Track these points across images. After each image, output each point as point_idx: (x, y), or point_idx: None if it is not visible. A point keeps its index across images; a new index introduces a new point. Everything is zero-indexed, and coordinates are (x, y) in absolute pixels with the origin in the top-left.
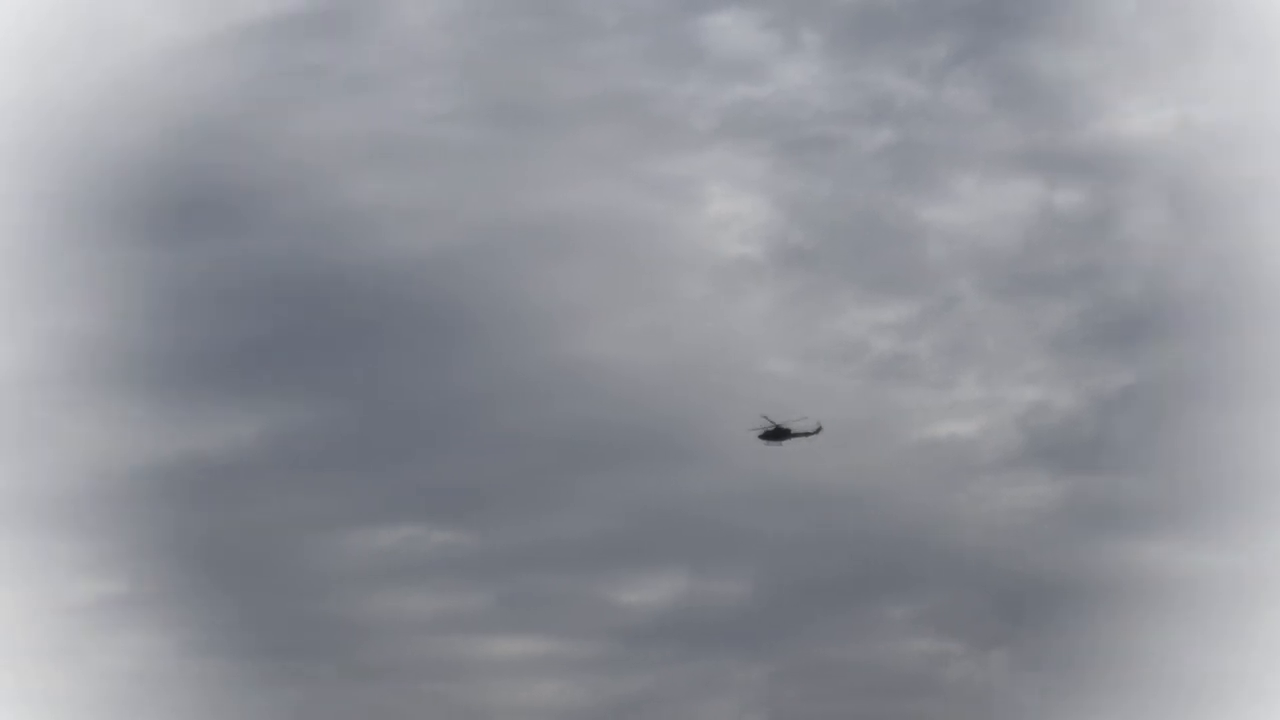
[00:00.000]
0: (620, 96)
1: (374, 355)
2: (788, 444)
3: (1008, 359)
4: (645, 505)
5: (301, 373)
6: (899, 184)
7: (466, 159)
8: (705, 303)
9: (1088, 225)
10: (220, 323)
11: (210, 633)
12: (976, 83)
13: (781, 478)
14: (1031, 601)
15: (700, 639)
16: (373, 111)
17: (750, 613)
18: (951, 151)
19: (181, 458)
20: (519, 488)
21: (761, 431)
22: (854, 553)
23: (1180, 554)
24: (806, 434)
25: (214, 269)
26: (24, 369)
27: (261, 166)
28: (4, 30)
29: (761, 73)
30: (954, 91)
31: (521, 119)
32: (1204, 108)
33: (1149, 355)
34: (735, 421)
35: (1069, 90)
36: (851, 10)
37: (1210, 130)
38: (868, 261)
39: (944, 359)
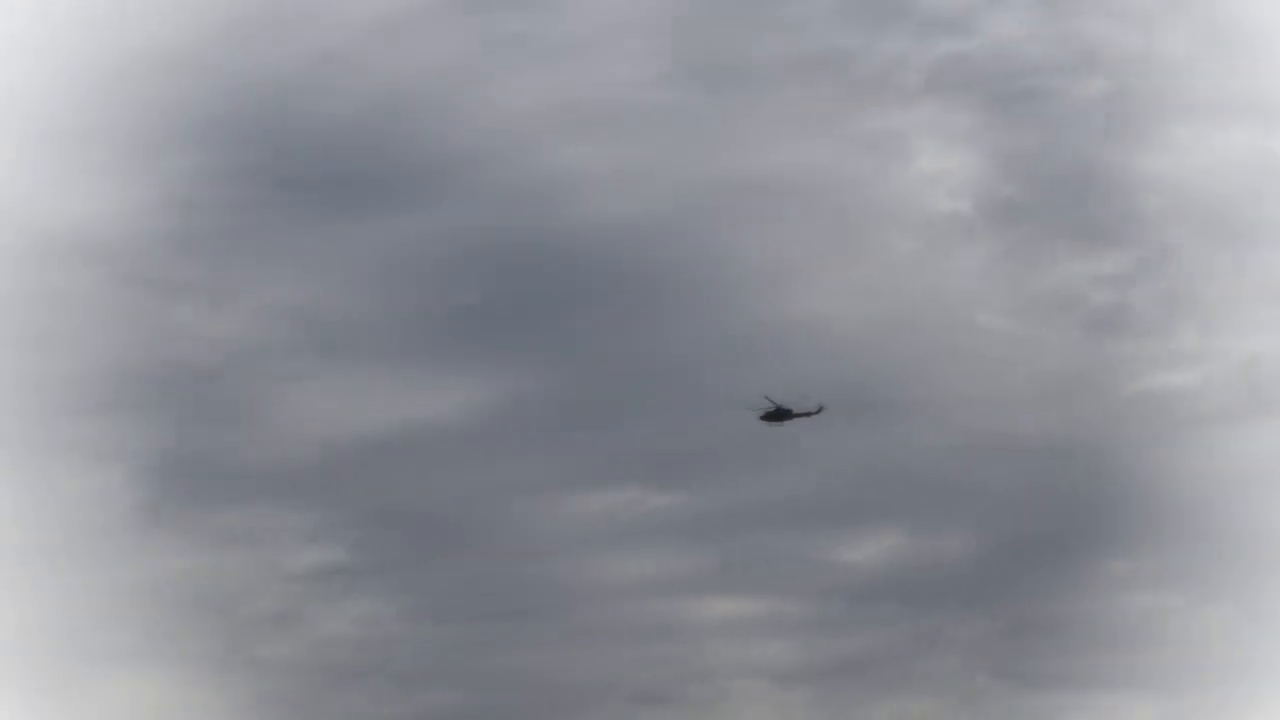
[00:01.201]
0: (825, 54)
1: (586, 320)
2: (789, 424)
3: (1227, 308)
4: (862, 463)
5: (514, 339)
6: (1112, 134)
7: (671, 122)
8: (915, 259)
9: None
10: (433, 291)
11: (431, 599)
12: (1189, 28)
13: (998, 433)
14: (1252, 555)
15: (919, 596)
16: (575, 77)
17: (969, 569)
18: (1165, 99)
19: (399, 426)
20: (735, 448)
21: (763, 412)
22: (1072, 507)
23: None
24: (808, 414)
25: (426, 238)
26: (244, 343)
27: (467, 135)
28: (212, 7)
29: (968, 26)
30: (1166, 38)
31: (725, 80)
32: None
33: None
34: (950, 377)
35: None
36: None
37: None
38: (1082, 213)
39: (1161, 310)
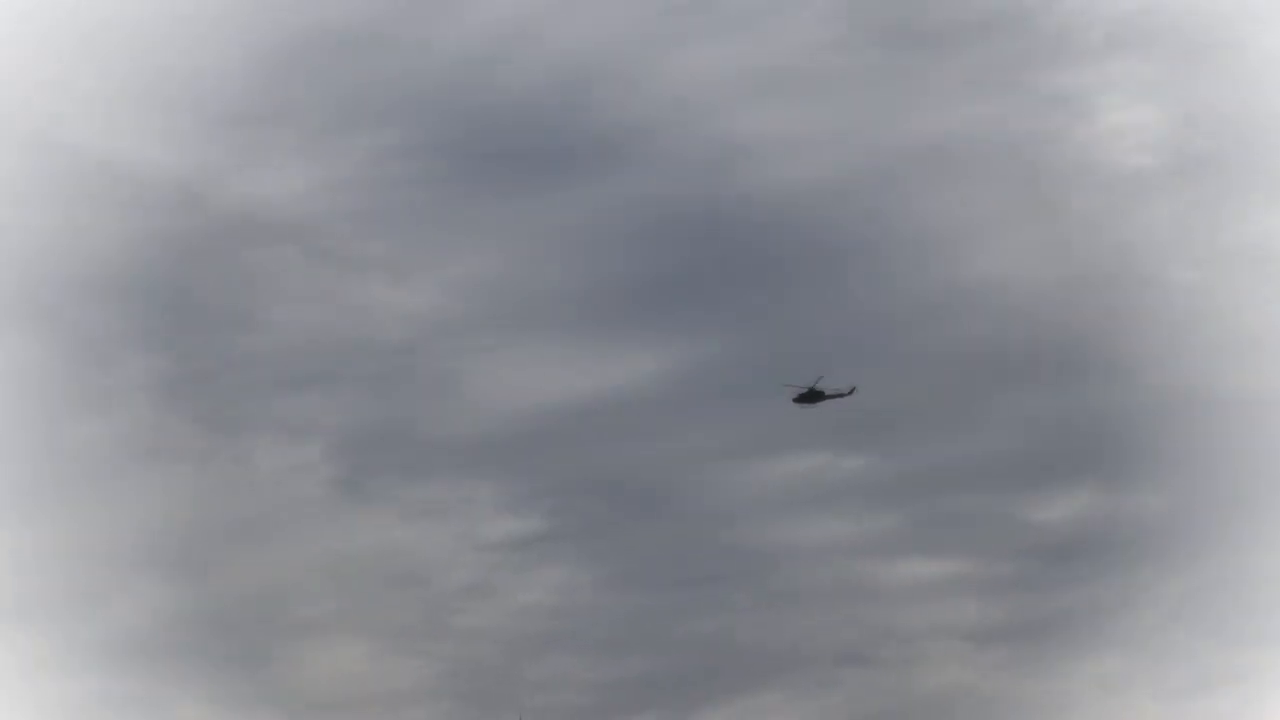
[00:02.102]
0: (1004, 13)
1: (772, 286)
2: (822, 405)
3: None
4: (1052, 422)
5: (702, 307)
6: None
7: (850, 86)
8: (1103, 215)
9: None
10: (621, 261)
11: (626, 566)
12: None
13: (1187, 389)
14: None
15: (1112, 554)
16: (754, 44)
17: (1163, 527)
18: None
19: (592, 395)
20: (925, 410)
21: (795, 395)
22: (1266, 463)
23: None
24: (840, 395)
25: (611, 208)
26: (435, 317)
27: (648, 105)
28: None
29: None
30: None
31: (904, 43)
32: None
33: None
34: (1141, 335)
35: None
36: None
37: None
38: (1273, 165)
39: None
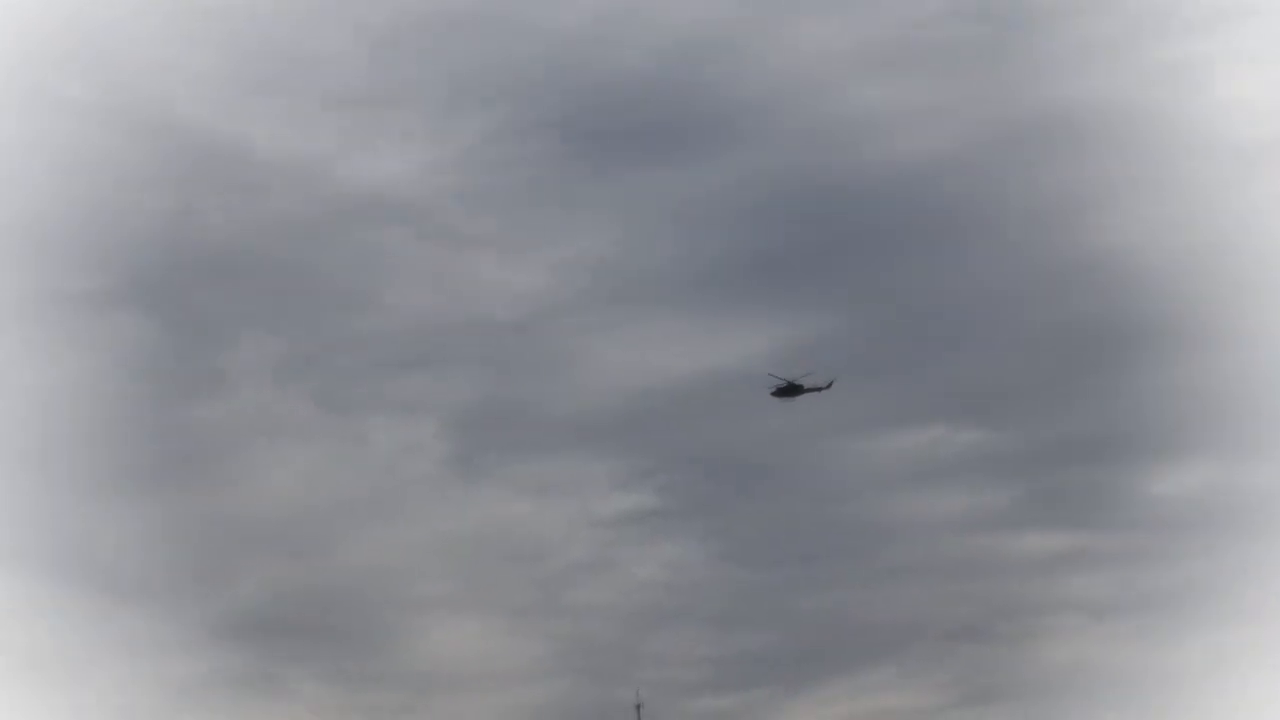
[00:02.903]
0: None
1: (886, 261)
2: (801, 399)
3: None
4: (1171, 393)
5: (815, 283)
6: None
7: (967, 58)
8: (1220, 186)
9: None
10: (733, 238)
11: (740, 542)
12: None
13: None
14: None
15: (1232, 526)
16: (867, 18)
17: None
18: None
19: (704, 372)
20: (1043, 383)
21: (774, 389)
22: None
23: None
24: (818, 389)
25: (724, 185)
26: (547, 296)
27: (761, 80)
28: None
29: None
30: None
31: (1018, 14)
32: None
33: None
34: (1261, 305)
35: None
36: None
37: None
38: None
39: None
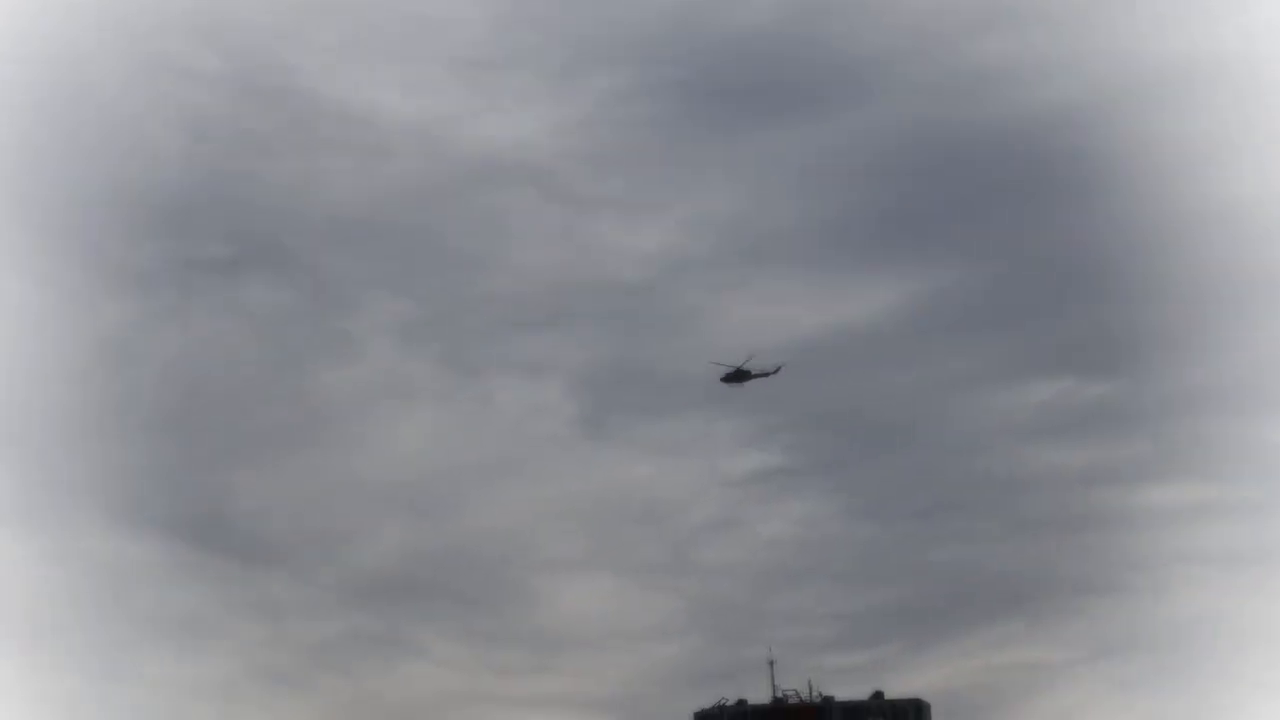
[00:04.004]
0: None
1: (1013, 214)
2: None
3: None
4: None
5: (941, 237)
6: None
7: (1089, 12)
8: None
9: None
10: (858, 194)
11: (868, 497)
12: None
13: None
14: None
15: None
16: None
17: None
18: None
19: (830, 329)
20: (1168, 335)
21: (723, 375)
22: None
23: None
24: (765, 374)
25: (848, 142)
26: (673, 255)
27: (884, 35)
28: None
29: None
30: None
31: None
32: None
33: None
34: None
35: None
36: None
37: None
38: None
39: None
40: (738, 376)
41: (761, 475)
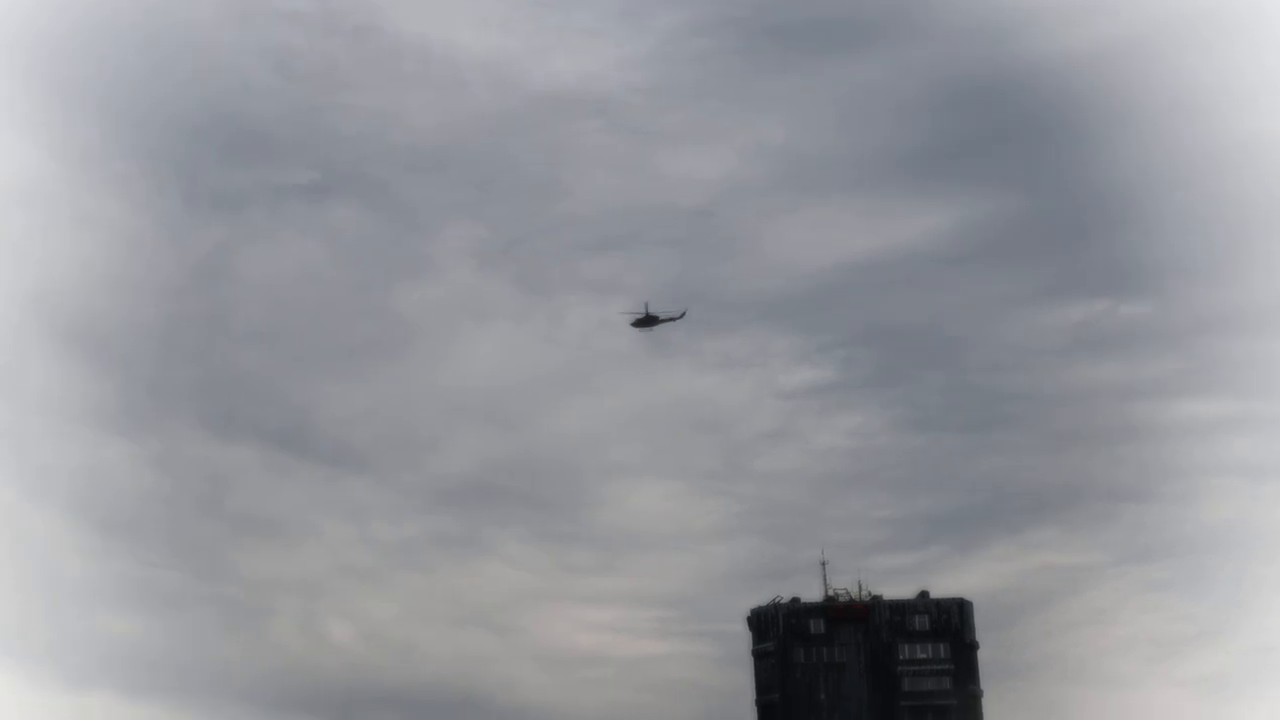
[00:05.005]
0: None
1: (1055, 145)
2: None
3: None
4: None
5: (986, 166)
6: None
7: None
8: None
9: None
10: (907, 126)
11: (917, 410)
12: None
13: None
14: None
15: None
16: None
17: None
18: None
19: (879, 251)
20: (1199, 260)
21: (633, 320)
22: None
23: None
24: (672, 318)
25: (895, 77)
26: (732, 181)
27: None
28: None
29: None
30: None
31: None
32: None
33: None
34: None
35: None
36: None
37: None
38: None
39: None
40: (647, 321)
41: (815, 389)
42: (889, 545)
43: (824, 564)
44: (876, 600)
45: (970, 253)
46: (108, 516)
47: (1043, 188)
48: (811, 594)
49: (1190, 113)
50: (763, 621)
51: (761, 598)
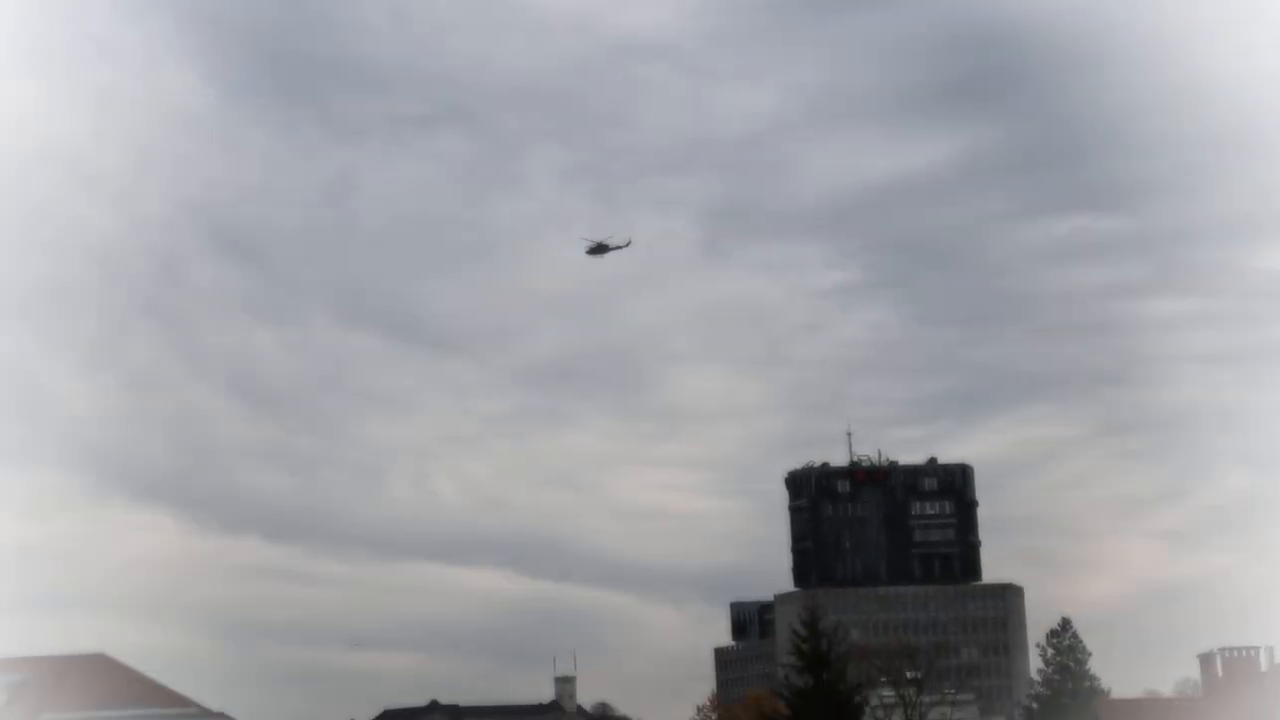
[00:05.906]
0: None
1: (1046, 81)
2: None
3: None
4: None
5: (989, 101)
6: None
7: None
8: None
9: None
10: (923, 67)
11: (927, 307)
12: None
13: None
14: None
15: None
16: None
17: None
18: None
19: (899, 174)
20: (1170, 179)
21: (587, 248)
22: None
23: None
24: (620, 247)
25: (917, 24)
26: (776, 115)
27: None
28: None
29: None
30: None
31: None
32: None
33: None
34: None
35: None
36: None
37: None
38: None
39: None
40: (599, 249)
41: (841, 289)
42: (903, 420)
43: (849, 435)
44: (893, 465)
45: (972, 175)
46: (255, 391)
47: (1036, 119)
48: (839, 459)
49: (1159, 51)
50: (798, 482)
51: (796, 462)
